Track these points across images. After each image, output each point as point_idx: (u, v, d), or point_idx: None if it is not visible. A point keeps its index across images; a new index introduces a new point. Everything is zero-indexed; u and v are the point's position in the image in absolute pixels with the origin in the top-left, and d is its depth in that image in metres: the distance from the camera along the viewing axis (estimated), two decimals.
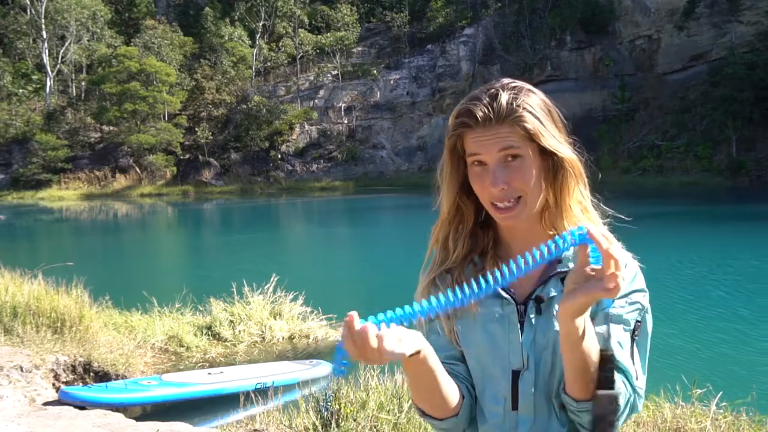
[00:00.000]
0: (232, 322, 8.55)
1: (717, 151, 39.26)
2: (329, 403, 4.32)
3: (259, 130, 49.97)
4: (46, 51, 50.94)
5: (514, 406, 1.33)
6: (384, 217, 29.83)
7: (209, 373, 6.80)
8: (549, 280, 1.32)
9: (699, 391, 4.37)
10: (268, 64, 55.42)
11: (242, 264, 15.08)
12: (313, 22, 57.17)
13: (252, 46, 54.62)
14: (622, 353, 1.27)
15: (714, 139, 39.28)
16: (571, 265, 1.31)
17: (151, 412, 6.17)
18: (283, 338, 8.50)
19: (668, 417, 4.03)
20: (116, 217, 35.99)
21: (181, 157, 49.84)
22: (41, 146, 46.80)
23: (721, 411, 4.14)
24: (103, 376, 6.53)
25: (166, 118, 50.23)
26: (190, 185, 48.10)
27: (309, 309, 9.09)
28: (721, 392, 4.29)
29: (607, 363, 1.20)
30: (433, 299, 1.11)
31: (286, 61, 54.99)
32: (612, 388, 1.20)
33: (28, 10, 51.51)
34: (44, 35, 50.87)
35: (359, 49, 55.35)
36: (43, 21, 50.95)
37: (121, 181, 48.58)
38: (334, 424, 4.28)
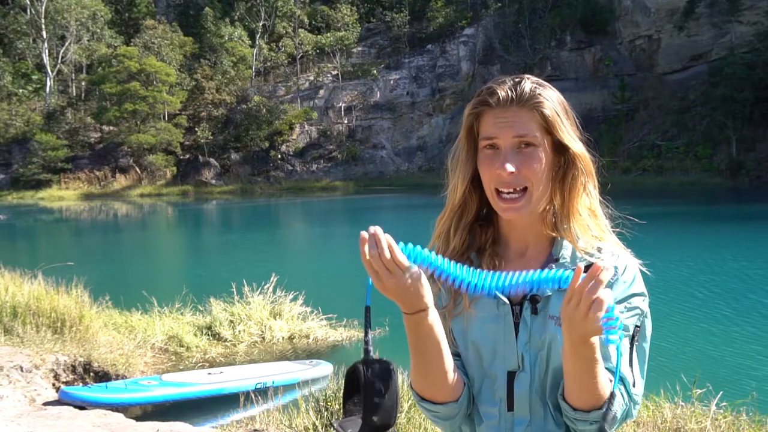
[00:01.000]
0: (232, 322, 8.55)
1: (717, 151, 39.25)
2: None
3: (259, 130, 49.96)
4: (46, 51, 50.93)
5: (510, 407, 1.32)
6: (384, 217, 29.81)
7: (209, 373, 6.80)
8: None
9: (699, 391, 4.36)
10: (268, 64, 55.42)
11: (242, 264, 15.08)
12: (313, 22, 57.16)
13: (252, 46, 54.61)
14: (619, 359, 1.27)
15: (714, 139, 39.27)
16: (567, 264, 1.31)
17: (151, 412, 6.17)
18: (283, 338, 8.51)
19: (668, 417, 4.03)
20: (116, 217, 35.99)
21: (181, 157, 49.84)
22: (41, 146, 46.78)
23: (721, 411, 4.14)
24: (103, 376, 6.53)
25: (166, 118, 50.22)
26: (190, 185, 48.09)
27: (309, 309, 9.09)
28: (721, 392, 4.29)
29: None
30: (451, 263, 1.15)
31: (286, 61, 54.98)
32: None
33: (28, 10, 51.49)
34: (44, 35, 50.85)
35: (359, 49, 55.35)
36: (43, 21, 50.93)
37: (121, 181, 48.57)
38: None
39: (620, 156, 42.53)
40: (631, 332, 1.29)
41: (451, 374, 1.29)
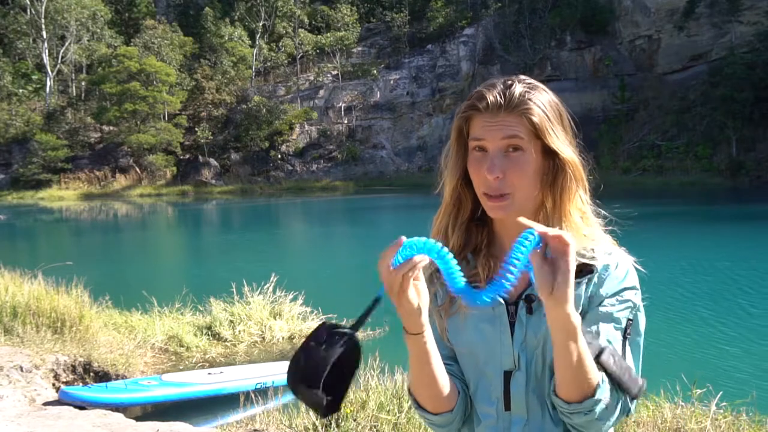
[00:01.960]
0: (232, 322, 8.55)
1: (717, 151, 39.25)
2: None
3: (259, 130, 49.96)
4: (46, 51, 50.93)
5: (507, 407, 1.32)
6: (384, 217, 29.82)
7: (209, 373, 6.80)
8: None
9: (699, 391, 4.36)
10: (268, 64, 55.42)
11: (242, 264, 15.08)
12: (313, 22, 57.16)
13: (252, 46, 54.61)
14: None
15: (714, 139, 39.27)
16: None
17: (151, 412, 6.17)
18: (283, 338, 8.51)
19: (668, 417, 4.03)
20: (116, 217, 35.99)
21: (181, 157, 49.84)
22: (41, 146, 46.78)
23: (721, 411, 4.14)
24: (103, 376, 6.53)
25: (166, 118, 50.22)
26: (190, 185, 48.09)
27: (309, 309, 9.10)
28: (721, 392, 4.29)
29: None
30: (455, 265, 1.16)
31: (286, 61, 54.99)
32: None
33: (28, 10, 51.49)
34: (44, 35, 50.85)
35: (359, 49, 55.34)
36: (43, 21, 50.94)
37: (121, 181, 48.57)
38: (334, 424, 4.28)
39: (620, 156, 42.54)
40: (623, 326, 1.29)
41: (445, 387, 1.31)
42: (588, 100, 45.61)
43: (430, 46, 52.98)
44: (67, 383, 6.20)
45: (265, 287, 9.08)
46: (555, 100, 1.32)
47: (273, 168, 50.23)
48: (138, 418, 5.41)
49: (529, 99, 1.27)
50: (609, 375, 1.23)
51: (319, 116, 51.74)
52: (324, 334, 1.18)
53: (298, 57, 54.11)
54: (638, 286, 1.32)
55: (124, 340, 7.66)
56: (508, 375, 1.32)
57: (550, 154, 1.30)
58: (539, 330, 1.30)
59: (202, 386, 6.46)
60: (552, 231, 1.12)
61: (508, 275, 1.12)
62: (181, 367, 7.45)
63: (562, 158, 1.29)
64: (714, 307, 10.28)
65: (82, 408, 5.38)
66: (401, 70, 52.57)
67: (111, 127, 50.07)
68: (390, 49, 54.56)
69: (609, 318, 1.28)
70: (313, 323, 8.84)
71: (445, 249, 1.17)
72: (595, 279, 1.30)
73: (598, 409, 1.21)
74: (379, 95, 52.21)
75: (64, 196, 46.24)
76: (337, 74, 53.32)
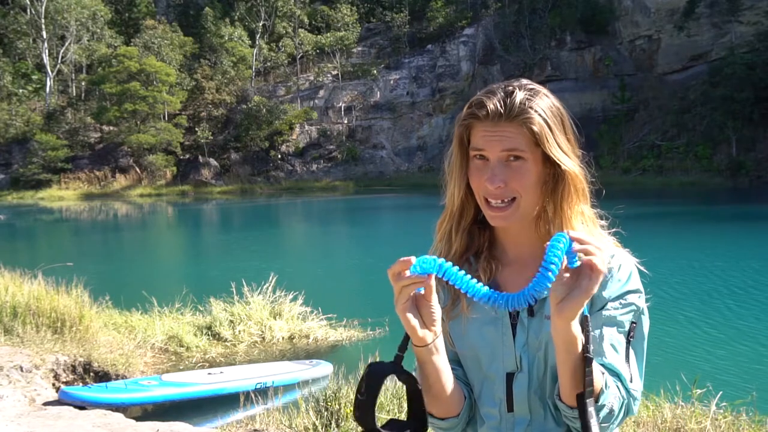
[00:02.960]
0: (232, 322, 8.55)
1: (717, 151, 39.25)
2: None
3: (259, 130, 49.96)
4: (46, 51, 50.93)
5: (510, 408, 1.33)
6: (384, 217, 29.83)
7: (209, 373, 6.80)
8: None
9: (699, 391, 4.37)
10: (268, 64, 55.41)
11: (242, 264, 15.08)
12: (313, 22, 57.15)
13: (252, 46, 54.60)
14: (615, 356, 1.26)
15: (714, 139, 39.27)
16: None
17: (151, 412, 6.17)
18: (283, 338, 8.51)
19: (668, 417, 4.03)
20: (116, 217, 35.99)
21: (181, 157, 49.84)
22: (41, 146, 46.78)
23: (721, 411, 4.14)
24: (103, 376, 6.53)
25: (166, 118, 50.22)
26: (190, 185, 48.09)
27: (309, 309, 9.10)
28: (721, 392, 4.29)
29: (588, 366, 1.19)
30: (465, 276, 1.17)
31: (286, 61, 54.98)
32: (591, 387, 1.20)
33: (28, 10, 51.49)
34: (44, 35, 50.85)
35: (359, 49, 55.34)
36: (43, 21, 50.94)
37: (121, 181, 48.56)
38: (334, 424, 4.28)
39: (620, 156, 42.55)
40: (627, 329, 1.29)
41: (451, 394, 1.31)
42: (588, 100, 45.61)
43: (430, 46, 52.98)
44: (67, 383, 6.20)
45: (265, 287, 9.08)
46: (557, 105, 1.31)
47: (273, 168, 50.23)
48: (138, 418, 5.41)
49: (530, 107, 1.26)
50: None
51: (319, 116, 51.75)
52: (363, 383, 1.25)
53: (298, 57, 54.11)
54: (642, 289, 1.31)
55: (124, 340, 7.66)
56: (510, 377, 1.33)
57: (551, 162, 1.29)
58: (541, 332, 1.30)
59: (202, 386, 6.46)
60: (594, 252, 1.11)
61: (549, 274, 1.11)
62: (181, 367, 7.45)
63: (563, 169, 1.28)
64: (714, 307, 10.28)
65: (82, 408, 5.38)
66: (401, 70, 52.57)
67: (111, 127, 50.07)
68: (390, 49, 54.56)
69: (612, 322, 1.28)
70: (313, 323, 8.84)
71: (448, 263, 1.18)
72: None
73: (602, 413, 1.21)
74: (379, 95, 52.22)
75: (64, 196, 46.24)
76: (337, 74, 53.32)
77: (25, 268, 8.33)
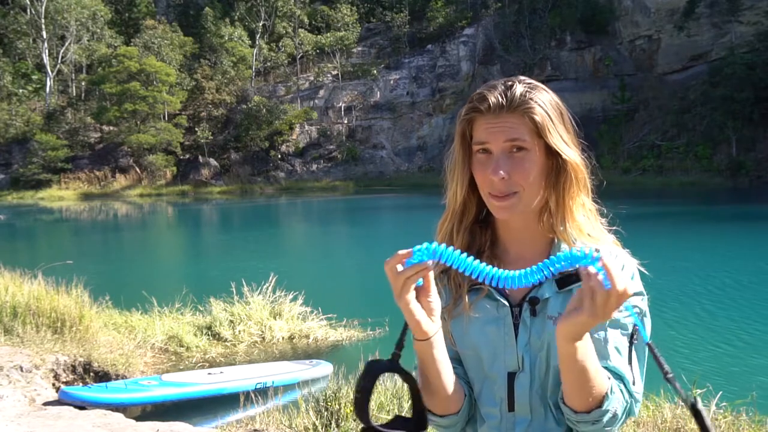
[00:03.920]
0: (232, 322, 8.55)
1: (717, 151, 39.26)
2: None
3: (259, 130, 49.97)
4: (46, 51, 50.93)
5: (511, 408, 1.33)
6: (384, 217, 29.83)
7: (209, 373, 6.80)
8: (544, 281, 1.32)
9: (699, 391, 4.37)
10: (268, 64, 55.42)
11: (242, 264, 15.08)
12: (313, 22, 57.16)
13: (252, 46, 54.61)
14: (619, 359, 1.27)
15: (714, 139, 39.28)
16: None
17: (151, 412, 6.16)
18: (283, 338, 8.51)
19: (668, 417, 4.03)
20: (116, 217, 35.99)
21: (181, 157, 49.84)
22: (41, 146, 46.78)
23: (721, 411, 4.15)
24: (103, 376, 6.52)
25: (166, 118, 50.22)
26: (189, 185, 48.10)
27: (309, 309, 9.09)
28: (721, 392, 4.29)
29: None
30: (468, 258, 1.16)
31: (286, 61, 54.99)
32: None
33: (28, 10, 51.49)
34: (44, 35, 50.86)
35: (359, 49, 55.35)
36: (43, 21, 50.94)
37: (121, 181, 48.57)
38: (334, 424, 4.28)
39: (620, 156, 42.56)
40: (630, 331, 1.29)
41: (451, 391, 1.31)
42: (588, 100, 45.62)
43: (430, 46, 52.99)
44: (67, 383, 6.20)
45: (265, 287, 9.08)
46: (556, 100, 1.32)
47: (273, 168, 50.23)
48: (138, 418, 5.41)
49: (531, 99, 1.27)
50: None
51: (319, 116, 51.75)
52: (361, 380, 1.26)
53: (298, 57, 54.11)
54: (644, 292, 1.32)
55: (124, 340, 7.66)
56: (512, 376, 1.33)
57: (553, 153, 1.30)
58: (543, 332, 1.30)
59: (202, 386, 6.46)
60: (618, 279, 1.07)
61: (550, 269, 1.11)
62: (181, 367, 7.45)
63: (564, 159, 1.29)
64: (714, 307, 10.28)
65: (82, 408, 5.38)
66: (401, 70, 52.58)
67: (111, 127, 50.07)
68: (390, 49, 54.56)
69: (616, 324, 1.28)
70: (313, 323, 8.84)
71: (451, 248, 1.17)
72: None
73: (606, 418, 1.22)
74: (379, 95, 52.22)
75: (63, 196, 46.24)
76: (337, 74, 53.32)
77: (25, 268, 8.32)
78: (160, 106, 49.09)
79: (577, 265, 1.10)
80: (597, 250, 1.10)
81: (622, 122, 44.83)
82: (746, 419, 4.09)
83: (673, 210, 26.69)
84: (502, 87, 1.29)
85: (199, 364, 7.63)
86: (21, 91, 50.92)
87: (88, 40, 52.71)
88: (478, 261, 1.16)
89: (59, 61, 51.83)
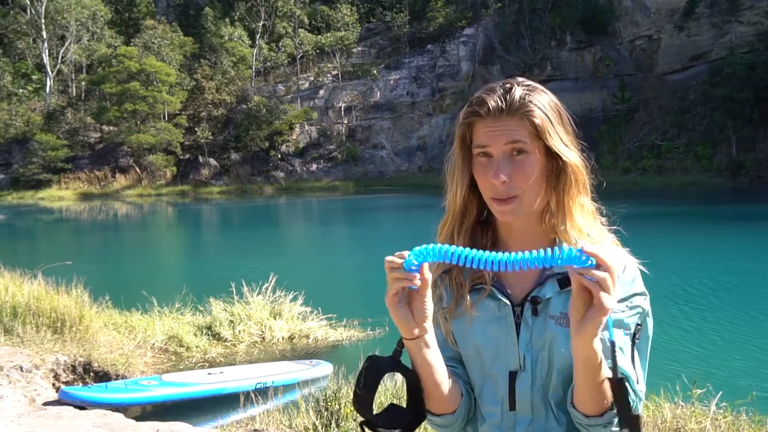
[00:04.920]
0: (232, 322, 8.55)
1: (717, 151, 39.25)
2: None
3: (259, 130, 49.96)
4: (46, 51, 50.92)
5: (512, 407, 1.34)
6: (384, 217, 29.82)
7: (209, 373, 6.80)
8: (545, 281, 1.32)
9: (699, 391, 4.36)
10: (268, 64, 55.41)
11: (242, 264, 15.08)
12: (313, 22, 57.15)
13: (252, 46, 54.61)
14: (623, 358, 1.27)
15: (714, 139, 39.27)
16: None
17: (151, 412, 6.16)
18: (283, 338, 8.51)
19: (668, 417, 4.03)
20: (116, 217, 35.99)
21: (181, 157, 49.83)
22: (41, 146, 46.77)
23: (721, 411, 4.14)
24: (103, 376, 6.53)
25: (166, 118, 50.22)
26: (189, 185, 48.09)
27: (309, 309, 9.10)
28: (721, 392, 4.29)
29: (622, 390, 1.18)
30: (466, 249, 1.15)
31: (286, 61, 54.98)
32: (630, 410, 1.18)
33: (28, 10, 51.48)
34: (44, 35, 50.85)
35: (359, 49, 55.34)
36: (43, 21, 50.93)
37: (121, 181, 48.56)
38: (334, 424, 4.28)
39: (620, 156, 42.55)
40: (632, 331, 1.30)
41: (446, 392, 1.32)
42: (588, 100, 45.61)
43: (430, 46, 52.98)
44: (67, 383, 6.20)
45: (265, 287, 9.08)
46: (554, 101, 1.32)
47: (273, 168, 50.22)
48: (138, 418, 5.41)
49: (530, 101, 1.28)
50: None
51: (319, 116, 51.75)
52: (362, 376, 1.29)
53: (298, 57, 54.11)
54: (646, 291, 1.32)
55: (124, 340, 7.66)
56: (513, 375, 1.33)
57: (553, 155, 1.30)
58: (545, 331, 1.31)
59: (202, 386, 6.46)
60: (605, 258, 1.09)
61: (532, 254, 1.11)
62: (181, 367, 7.45)
63: (564, 161, 1.30)
64: (714, 307, 10.28)
65: (82, 408, 5.38)
66: (401, 70, 52.57)
67: (111, 127, 50.06)
68: (390, 49, 54.56)
69: (619, 324, 1.28)
70: (313, 323, 8.85)
71: (441, 245, 1.17)
72: None
73: (617, 419, 1.22)
74: (379, 95, 52.22)
75: (63, 196, 46.23)
76: (337, 74, 53.32)
77: (25, 268, 8.32)
78: (160, 106, 49.09)
79: (572, 266, 1.11)
80: (581, 249, 1.11)
81: (622, 122, 44.83)
82: (746, 419, 4.09)
83: (673, 210, 26.69)
84: (501, 90, 1.29)
85: (199, 364, 7.63)
86: (21, 91, 50.91)
87: (88, 40, 52.70)
88: (470, 249, 1.15)
89: (59, 61, 51.83)
